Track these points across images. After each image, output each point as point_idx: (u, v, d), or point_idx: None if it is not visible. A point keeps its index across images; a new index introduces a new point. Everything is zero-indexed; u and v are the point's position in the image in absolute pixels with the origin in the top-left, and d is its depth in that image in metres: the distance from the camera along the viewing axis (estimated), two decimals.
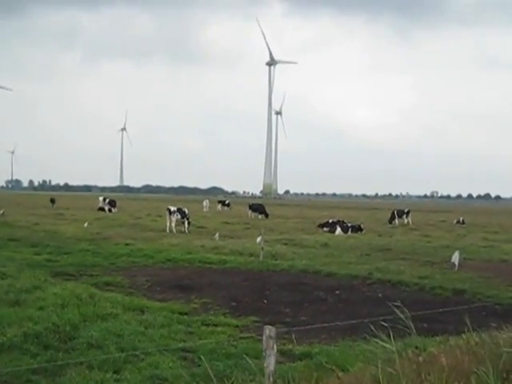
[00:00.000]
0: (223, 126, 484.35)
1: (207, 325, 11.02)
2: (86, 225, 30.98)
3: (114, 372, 7.94)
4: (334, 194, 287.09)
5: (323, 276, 17.57)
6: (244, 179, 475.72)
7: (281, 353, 9.15)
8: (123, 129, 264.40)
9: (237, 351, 8.94)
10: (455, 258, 17.95)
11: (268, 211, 61.91)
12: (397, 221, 44.08)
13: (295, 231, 35.03)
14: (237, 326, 11.07)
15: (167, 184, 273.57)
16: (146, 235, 28.52)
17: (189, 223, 33.14)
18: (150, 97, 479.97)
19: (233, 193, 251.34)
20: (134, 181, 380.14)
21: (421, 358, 6.38)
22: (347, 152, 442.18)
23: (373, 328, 7.21)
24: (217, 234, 25.91)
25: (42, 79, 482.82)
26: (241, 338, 10.05)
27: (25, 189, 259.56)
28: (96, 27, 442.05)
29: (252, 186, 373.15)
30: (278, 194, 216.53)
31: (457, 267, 18.05)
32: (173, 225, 32.10)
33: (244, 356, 8.66)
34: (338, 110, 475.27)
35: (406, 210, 45.41)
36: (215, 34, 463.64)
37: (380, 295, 15.00)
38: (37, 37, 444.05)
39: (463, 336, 7.73)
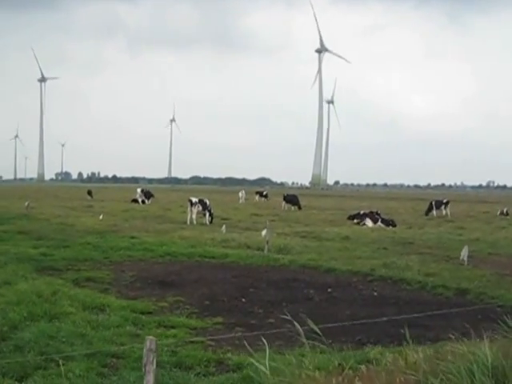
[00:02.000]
0: (271, 116, 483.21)
1: (164, 326, 10.22)
2: (100, 217, 30.58)
3: (18, 379, 7.22)
4: (385, 185, 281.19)
5: (322, 272, 16.50)
6: (293, 170, 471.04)
7: (217, 362, 8.28)
8: (172, 120, 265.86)
9: (168, 360, 8.06)
10: (464, 254, 16.57)
11: (307, 202, 61.26)
12: (434, 212, 42.14)
13: (322, 223, 33.88)
14: (194, 329, 10.22)
15: (215, 175, 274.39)
16: (161, 227, 27.89)
17: (210, 215, 32.37)
18: (196, 87, 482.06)
19: (281, 183, 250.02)
20: (182, 172, 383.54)
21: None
22: (400, 142, 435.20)
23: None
24: (223, 227, 25.03)
25: (87, 72, 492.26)
26: (191, 342, 9.15)
27: (74, 181, 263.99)
28: (137, 18, 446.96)
29: (301, 176, 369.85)
30: (328, 185, 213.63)
31: (466, 263, 16.66)
32: (194, 216, 31.40)
33: (169, 366, 7.87)
34: (390, 98, 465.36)
35: (444, 201, 43.33)
36: (258, 21, 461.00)
37: (375, 294, 13.92)
38: (79, 30, 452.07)
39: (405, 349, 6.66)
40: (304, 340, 6.36)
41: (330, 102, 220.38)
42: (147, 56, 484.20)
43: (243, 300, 12.69)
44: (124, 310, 10.96)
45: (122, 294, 12.97)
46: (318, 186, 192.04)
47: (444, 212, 42.30)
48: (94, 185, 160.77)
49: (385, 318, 10.61)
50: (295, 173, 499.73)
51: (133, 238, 22.50)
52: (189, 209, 31.98)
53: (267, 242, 19.33)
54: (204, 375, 7.61)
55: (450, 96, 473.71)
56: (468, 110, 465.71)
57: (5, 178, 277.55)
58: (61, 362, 7.60)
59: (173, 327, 10.14)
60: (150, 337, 5.58)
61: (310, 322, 6.31)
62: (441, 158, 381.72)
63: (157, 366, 5.44)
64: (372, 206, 52.52)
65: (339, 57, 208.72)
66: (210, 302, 12.35)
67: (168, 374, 7.47)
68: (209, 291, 13.46)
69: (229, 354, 8.58)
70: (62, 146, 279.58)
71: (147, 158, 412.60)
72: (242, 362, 8.15)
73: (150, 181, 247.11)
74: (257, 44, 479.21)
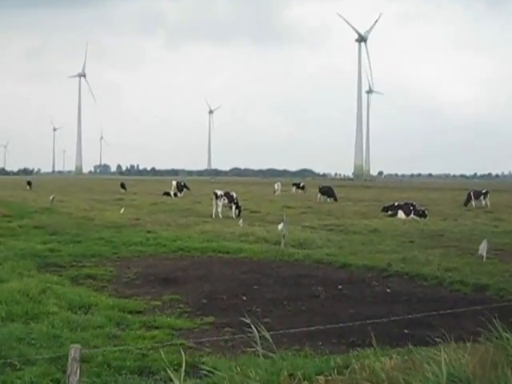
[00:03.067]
0: (313, 107, 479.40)
1: (149, 327, 9.59)
2: (122, 211, 30.13)
3: None
4: (430, 175, 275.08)
5: (336, 267, 15.62)
6: (337, 161, 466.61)
7: (191, 366, 7.57)
8: (211, 111, 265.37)
9: (131, 365, 7.41)
10: (482, 248, 15.44)
11: (345, 194, 60.14)
12: (473, 203, 40.40)
13: (354, 215, 32.79)
14: (180, 329, 9.57)
15: (256, 167, 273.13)
16: (184, 221, 27.29)
17: (237, 207, 31.63)
18: (236, 79, 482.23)
19: (324, 175, 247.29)
20: (223, 164, 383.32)
21: None
22: (445, 131, 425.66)
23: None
24: (241, 221, 24.27)
25: (126, 66, 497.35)
26: (170, 344, 8.43)
27: (113, 174, 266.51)
28: (175, 12, 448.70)
29: (345, 167, 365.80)
30: (371, 176, 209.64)
31: (484, 258, 15.54)
32: (219, 210, 30.72)
33: (127, 372, 7.20)
34: (432, 86, 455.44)
35: (483, 191, 41.52)
36: (297, 13, 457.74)
37: (388, 290, 12.99)
38: (117, 25, 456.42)
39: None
40: (259, 348, 5.57)
41: (370, 91, 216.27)
42: (187, 50, 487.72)
43: (244, 298, 11.94)
44: (111, 310, 10.36)
45: (118, 292, 12.39)
46: (360, 177, 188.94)
47: (483, 202, 40.59)
48: (132, 177, 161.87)
49: (388, 319, 9.82)
50: (338, 164, 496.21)
51: (149, 232, 21.96)
52: (214, 202, 31.33)
53: (284, 236, 18.54)
54: (165, 382, 6.89)
55: (496, 83, 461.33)
56: None
57: (43, 170, 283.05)
58: (18, 367, 7.08)
59: (157, 328, 9.50)
60: (76, 345, 5.01)
61: (263, 329, 5.49)
62: (487, 147, 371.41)
63: (80, 375, 4.77)
64: (412, 198, 51.14)
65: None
66: (207, 301, 11.66)
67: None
68: (211, 288, 12.78)
69: (206, 358, 7.88)
70: (101, 139, 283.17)
71: (187, 150, 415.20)
72: (217, 367, 7.42)
73: (190, 173, 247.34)
74: (296, 35, 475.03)
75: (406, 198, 44.40)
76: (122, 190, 62.74)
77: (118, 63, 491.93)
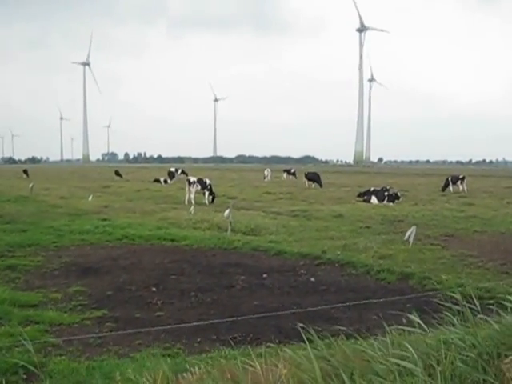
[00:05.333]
0: (315, 95, 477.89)
1: (29, 322, 9.16)
2: (90, 198, 29.79)
3: None
4: (428, 161, 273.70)
5: (271, 255, 15.18)
6: (338, 147, 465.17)
7: (40, 366, 7.14)
8: (216, 100, 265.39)
9: None
10: (409, 234, 15.00)
11: (335, 180, 59.78)
12: (451, 188, 40.17)
13: (328, 201, 32.27)
14: (59, 325, 9.10)
15: (260, 154, 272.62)
16: (152, 208, 26.93)
17: (211, 194, 31.25)
18: (238, 68, 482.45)
19: (326, 161, 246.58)
20: (228, 151, 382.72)
21: None
22: (441, 118, 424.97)
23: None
24: (192, 208, 23.83)
25: (130, 55, 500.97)
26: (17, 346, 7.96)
27: (120, 161, 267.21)
28: (178, 1, 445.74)
29: (346, 154, 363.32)
30: (371, 162, 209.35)
31: (411, 244, 15.08)
32: (192, 196, 30.42)
33: None
34: (431, 75, 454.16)
35: (460, 176, 41.20)
36: (298, 2, 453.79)
37: (312, 279, 12.54)
38: (120, 15, 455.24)
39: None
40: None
41: (371, 80, 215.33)
42: (189, 39, 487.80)
43: (153, 289, 11.51)
44: (1, 304, 9.95)
45: (28, 283, 11.99)
46: (360, 164, 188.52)
47: (461, 188, 40.24)
48: (136, 165, 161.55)
49: (290, 311, 9.41)
50: (340, 150, 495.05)
51: (104, 220, 21.60)
52: (187, 188, 30.99)
53: (230, 223, 18.11)
54: None
55: (491, 71, 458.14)
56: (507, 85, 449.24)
57: (52, 159, 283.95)
58: None
59: (37, 323, 9.08)
60: None
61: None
62: (483, 134, 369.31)
63: None
64: (397, 183, 50.74)
65: (379, 30, 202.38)
66: (112, 292, 11.24)
67: None
68: (126, 279, 12.37)
69: (58, 358, 7.48)
70: (108, 127, 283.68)
71: (193, 138, 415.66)
72: (63, 369, 7.04)
73: (196, 160, 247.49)
74: (298, 24, 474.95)
75: (391, 184, 43.90)
76: (117, 178, 62.51)
77: (121, 52, 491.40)
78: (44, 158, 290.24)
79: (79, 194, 36.47)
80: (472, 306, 5.17)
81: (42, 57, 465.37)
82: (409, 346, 4.49)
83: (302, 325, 9.01)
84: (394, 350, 4.66)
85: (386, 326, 5.22)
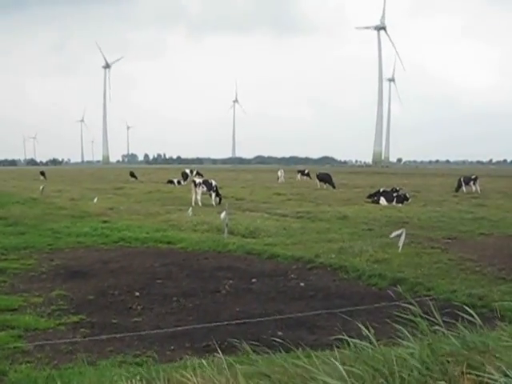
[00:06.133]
0: (334, 95, 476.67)
1: (6, 327, 8.99)
2: (95, 201, 29.74)
3: None
4: (448, 161, 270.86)
5: (264, 259, 14.91)
6: (357, 148, 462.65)
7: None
8: (235, 101, 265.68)
9: None
10: (395, 235, 14.72)
11: (349, 180, 59.29)
12: (464, 188, 39.54)
13: (336, 202, 31.89)
14: (34, 330, 8.98)
15: (279, 155, 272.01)
16: (156, 210, 26.79)
17: (217, 195, 31.08)
18: (258, 68, 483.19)
19: (344, 162, 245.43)
20: (247, 152, 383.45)
21: None
22: (462, 117, 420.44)
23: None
24: (190, 209, 23.60)
25: (150, 58, 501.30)
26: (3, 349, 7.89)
27: (140, 163, 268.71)
28: (198, 4, 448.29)
29: (365, 154, 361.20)
30: (389, 162, 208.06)
31: (400, 249, 14.71)
32: (198, 197, 30.23)
33: None
34: (451, 74, 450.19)
35: (472, 177, 40.53)
36: (317, 2, 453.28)
37: (302, 284, 12.26)
38: (139, 19, 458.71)
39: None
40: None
41: (391, 79, 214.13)
42: (208, 41, 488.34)
43: (137, 294, 11.31)
44: None
45: (13, 287, 11.87)
46: (379, 164, 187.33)
47: (473, 188, 39.60)
48: (155, 166, 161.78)
49: (272, 318, 9.16)
50: (359, 151, 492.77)
51: (105, 222, 21.50)
52: (193, 190, 30.83)
53: (226, 225, 17.88)
54: None
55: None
56: None
57: (73, 161, 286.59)
58: None
59: (12, 328, 8.93)
60: None
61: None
62: (504, 133, 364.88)
63: None
64: (411, 184, 50.17)
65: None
66: (94, 297, 11.07)
67: None
68: (112, 283, 12.18)
69: (22, 366, 7.29)
70: (128, 128, 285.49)
71: (212, 140, 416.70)
72: (22, 379, 6.85)
73: (214, 161, 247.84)
74: (316, 24, 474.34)
75: (404, 184, 43.44)
76: (132, 179, 62.67)
77: (142, 56, 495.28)
78: (65, 159, 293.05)
79: (90, 196, 36.35)
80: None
81: (64, 59, 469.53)
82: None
83: (280, 333, 8.94)
84: (344, 366, 4.39)
85: (346, 337, 4.96)
